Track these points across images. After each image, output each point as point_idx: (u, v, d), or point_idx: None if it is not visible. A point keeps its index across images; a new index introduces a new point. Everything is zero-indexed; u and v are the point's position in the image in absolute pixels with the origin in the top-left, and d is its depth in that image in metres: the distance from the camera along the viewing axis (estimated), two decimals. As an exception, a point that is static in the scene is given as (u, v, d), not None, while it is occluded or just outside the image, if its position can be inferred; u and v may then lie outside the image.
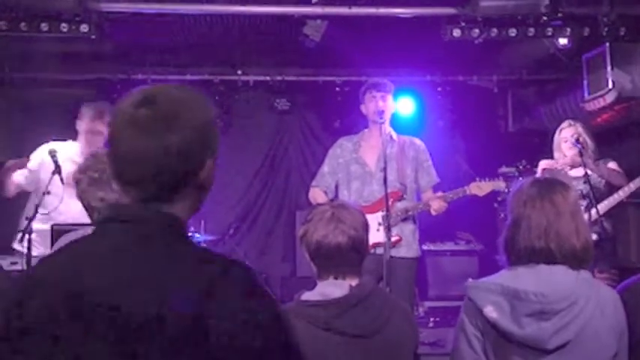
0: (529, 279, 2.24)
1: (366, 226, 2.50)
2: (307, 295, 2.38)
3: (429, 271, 6.78)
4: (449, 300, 6.61)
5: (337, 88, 7.05)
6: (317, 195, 4.96)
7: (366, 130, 4.99)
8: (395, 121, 7.13)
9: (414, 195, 4.86)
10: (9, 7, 4.64)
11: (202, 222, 6.32)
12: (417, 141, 5.00)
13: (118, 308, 1.25)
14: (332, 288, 2.36)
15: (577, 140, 4.79)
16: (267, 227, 7.38)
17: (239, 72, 7.02)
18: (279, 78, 7.04)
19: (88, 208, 2.51)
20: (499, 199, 6.87)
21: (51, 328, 1.27)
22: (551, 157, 5.40)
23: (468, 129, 7.30)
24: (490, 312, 2.22)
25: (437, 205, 4.67)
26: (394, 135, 4.93)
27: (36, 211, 4.20)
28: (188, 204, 1.45)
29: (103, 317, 1.25)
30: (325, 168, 4.99)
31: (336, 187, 4.94)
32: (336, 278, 2.39)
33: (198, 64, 7.00)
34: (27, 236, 4.23)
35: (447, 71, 7.03)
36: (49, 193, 4.22)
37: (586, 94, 5.75)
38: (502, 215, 6.88)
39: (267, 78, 7.04)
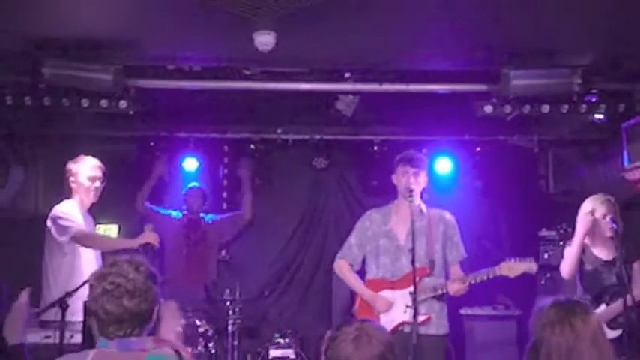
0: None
1: (391, 346, 2.50)
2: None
3: (466, 335, 6.66)
4: (486, 366, 6.51)
5: (375, 147, 7.06)
6: (343, 267, 4.96)
7: (395, 201, 4.95)
8: (432, 181, 7.14)
9: (442, 270, 4.82)
10: (52, 86, 4.83)
11: (237, 282, 6.35)
12: (447, 215, 4.96)
13: None
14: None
15: (612, 220, 4.64)
16: (304, 285, 7.37)
17: (279, 130, 7.10)
18: (317, 137, 7.09)
19: (93, 314, 2.54)
20: (539, 263, 6.75)
21: None
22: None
23: (507, 189, 7.15)
24: None
25: (456, 288, 4.63)
26: (424, 208, 4.89)
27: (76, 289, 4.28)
28: None
29: None
30: (353, 240, 4.97)
31: (364, 260, 4.92)
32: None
33: (239, 122, 7.09)
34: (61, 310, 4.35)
35: (487, 131, 6.95)
36: None
37: (625, 163, 5.64)
38: (542, 281, 6.78)
39: (306, 137, 7.10)
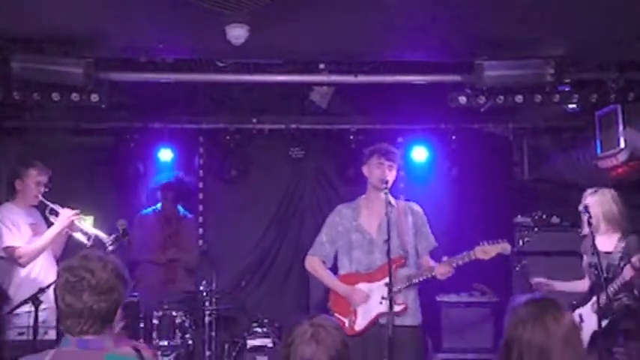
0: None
1: (345, 345, 2.51)
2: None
3: (443, 322, 6.72)
4: (463, 352, 6.57)
5: (351, 136, 7.04)
6: (315, 264, 4.94)
7: (363, 195, 4.95)
8: (409, 170, 7.18)
9: (415, 260, 4.84)
10: (23, 80, 4.76)
11: (214, 273, 6.33)
12: (415, 206, 4.96)
13: None
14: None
15: (585, 208, 4.69)
16: (282, 275, 7.37)
17: (254, 120, 7.06)
18: (293, 126, 7.06)
19: (56, 305, 2.52)
20: (514, 249, 6.81)
21: None
22: (566, 208, 5.27)
23: (483, 177, 7.19)
24: None
25: (443, 270, 4.64)
26: (392, 200, 4.85)
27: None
28: None
29: None
30: (323, 237, 4.96)
31: (335, 255, 4.91)
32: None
33: (214, 112, 7.04)
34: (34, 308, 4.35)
35: (462, 119, 6.97)
36: None
37: (599, 151, 5.69)
38: (517, 267, 6.83)
39: (282, 126, 7.07)
